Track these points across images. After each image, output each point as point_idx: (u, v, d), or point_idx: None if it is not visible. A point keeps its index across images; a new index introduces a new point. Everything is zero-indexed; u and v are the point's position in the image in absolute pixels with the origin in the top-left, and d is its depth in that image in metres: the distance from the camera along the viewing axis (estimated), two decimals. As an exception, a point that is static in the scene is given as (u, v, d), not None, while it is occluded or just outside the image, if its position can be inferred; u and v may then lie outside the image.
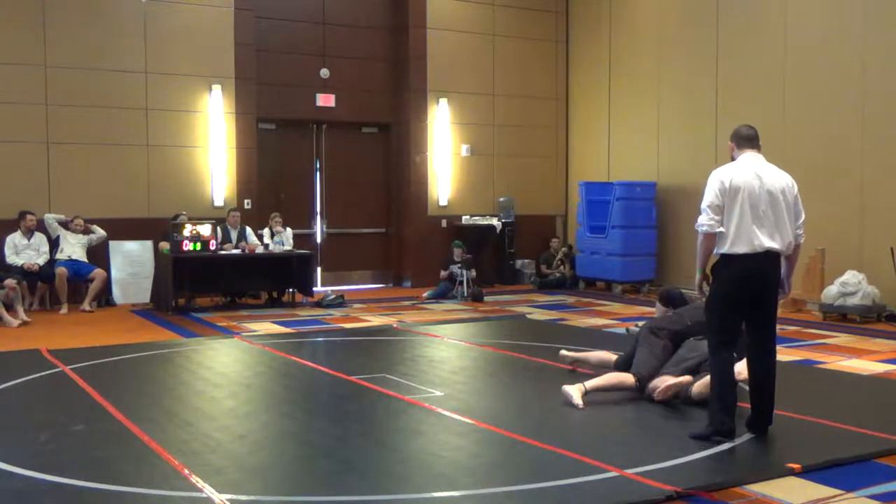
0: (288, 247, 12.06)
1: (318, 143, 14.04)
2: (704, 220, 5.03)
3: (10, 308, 10.04)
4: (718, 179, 5.05)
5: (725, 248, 5.01)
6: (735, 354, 5.20)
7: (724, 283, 5.04)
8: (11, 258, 10.95)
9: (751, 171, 5.05)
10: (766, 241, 4.96)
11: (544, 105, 15.22)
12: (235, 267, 11.74)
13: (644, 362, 6.10)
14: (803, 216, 5.17)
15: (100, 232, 11.56)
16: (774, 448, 4.97)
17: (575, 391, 5.88)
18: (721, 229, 4.98)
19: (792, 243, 5.10)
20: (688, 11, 13.24)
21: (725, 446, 4.91)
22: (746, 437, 5.11)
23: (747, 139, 5.21)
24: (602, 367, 6.66)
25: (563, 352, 7.26)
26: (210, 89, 12.65)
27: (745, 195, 4.97)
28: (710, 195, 5.04)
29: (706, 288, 5.18)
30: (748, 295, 5.02)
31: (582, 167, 15.11)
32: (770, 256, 5.00)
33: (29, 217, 11.10)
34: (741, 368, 5.38)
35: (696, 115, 13.01)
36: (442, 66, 14.27)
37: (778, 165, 5.26)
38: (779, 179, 5.09)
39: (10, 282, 10.10)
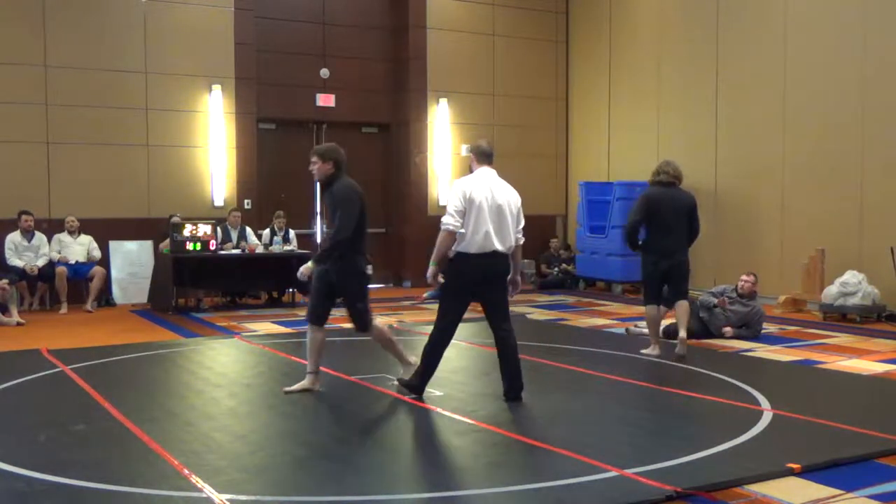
0: (291, 247, 12.01)
1: (318, 143, 14.00)
2: (450, 221, 5.91)
3: (5, 309, 10.05)
4: (461, 189, 5.97)
5: (462, 248, 5.94)
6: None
7: (459, 275, 6.01)
8: (13, 260, 10.93)
9: (486, 185, 6.01)
10: (495, 245, 5.95)
11: (544, 105, 15.22)
12: (235, 267, 11.74)
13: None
14: (523, 223, 6.17)
15: (95, 254, 11.50)
16: (774, 448, 4.96)
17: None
18: (462, 230, 5.90)
19: (513, 246, 6.10)
20: (688, 11, 13.23)
21: (725, 446, 4.90)
22: (746, 437, 5.10)
23: (486, 156, 6.17)
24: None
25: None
26: (210, 89, 12.65)
27: (481, 205, 5.90)
28: (455, 201, 5.93)
29: (440, 279, 6.06)
30: (479, 286, 6.04)
31: (582, 167, 15.11)
32: (496, 255, 6.00)
33: (25, 217, 11.05)
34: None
35: (696, 115, 13.00)
36: (442, 66, 14.26)
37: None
38: (506, 194, 6.07)
39: (1, 282, 10.10)
